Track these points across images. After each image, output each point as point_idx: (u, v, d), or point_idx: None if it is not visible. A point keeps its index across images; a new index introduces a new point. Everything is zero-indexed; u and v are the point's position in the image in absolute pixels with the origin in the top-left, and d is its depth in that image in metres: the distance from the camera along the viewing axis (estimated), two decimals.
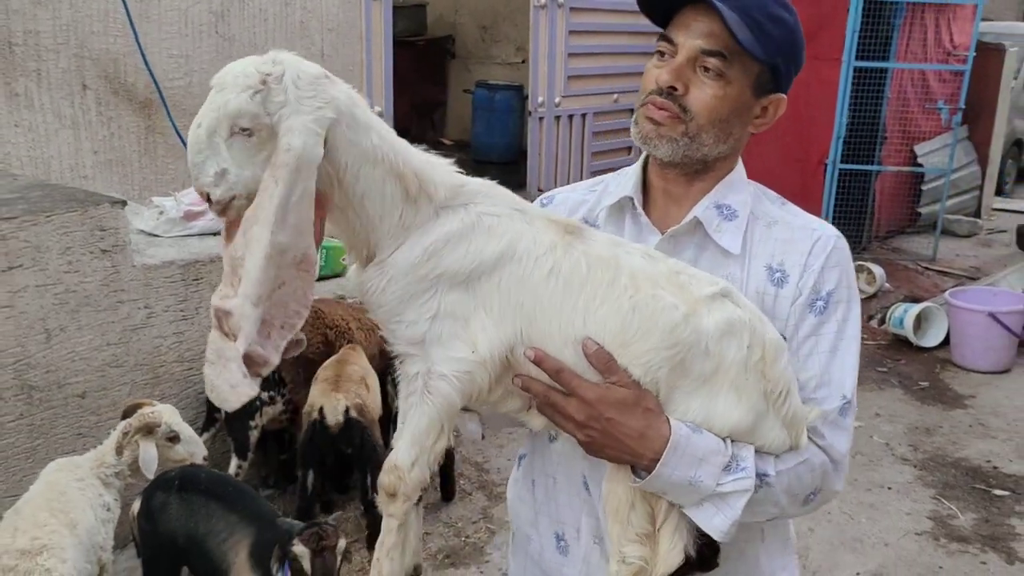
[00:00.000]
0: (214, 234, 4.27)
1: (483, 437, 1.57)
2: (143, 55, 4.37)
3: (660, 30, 1.54)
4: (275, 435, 4.29)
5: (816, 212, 8.51)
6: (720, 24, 1.45)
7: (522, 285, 1.39)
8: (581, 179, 8.32)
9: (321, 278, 4.81)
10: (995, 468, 5.05)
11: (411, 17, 9.62)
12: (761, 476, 1.45)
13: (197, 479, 3.13)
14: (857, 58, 7.99)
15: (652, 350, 1.39)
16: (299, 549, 2.76)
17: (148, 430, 2.99)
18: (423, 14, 10.06)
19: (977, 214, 10.63)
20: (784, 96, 1.57)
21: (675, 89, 1.49)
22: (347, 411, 3.69)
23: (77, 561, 2.69)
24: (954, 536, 4.34)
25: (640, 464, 1.41)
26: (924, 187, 9.57)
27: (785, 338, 1.51)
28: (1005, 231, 10.35)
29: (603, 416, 1.38)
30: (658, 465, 1.38)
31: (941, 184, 9.46)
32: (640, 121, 1.54)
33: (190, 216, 4.24)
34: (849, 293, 1.56)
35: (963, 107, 8.68)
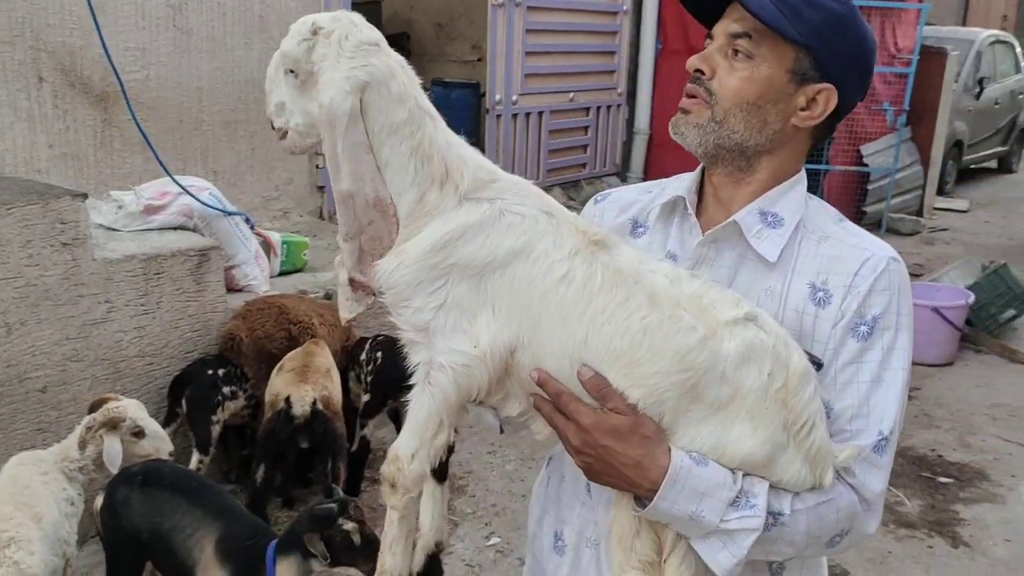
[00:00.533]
0: (174, 229, 4.25)
1: (502, 431, 1.53)
2: (105, 47, 4.31)
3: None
4: (237, 430, 4.28)
5: None
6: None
7: (532, 287, 1.36)
8: (538, 177, 8.38)
9: (282, 273, 4.80)
10: (940, 456, 5.23)
11: (366, 14, 9.44)
12: (775, 515, 1.36)
13: (161, 474, 3.11)
14: None
15: (661, 373, 1.34)
16: (350, 525, 2.78)
17: (112, 425, 2.97)
18: (378, 11, 10.03)
19: (920, 213, 10.93)
20: (834, 88, 1.46)
21: (702, 73, 1.46)
22: (314, 402, 3.70)
23: (44, 554, 2.67)
24: (902, 522, 4.49)
25: (639, 493, 1.37)
26: (870, 186, 9.82)
27: (822, 363, 1.43)
28: (946, 229, 10.66)
29: (598, 443, 1.34)
30: (655, 498, 1.33)
31: (886, 183, 9.73)
32: (675, 115, 1.51)
33: (150, 210, 4.21)
34: (899, 320, 1.44)
35: (907, 108, 8.93)
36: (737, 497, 1.34)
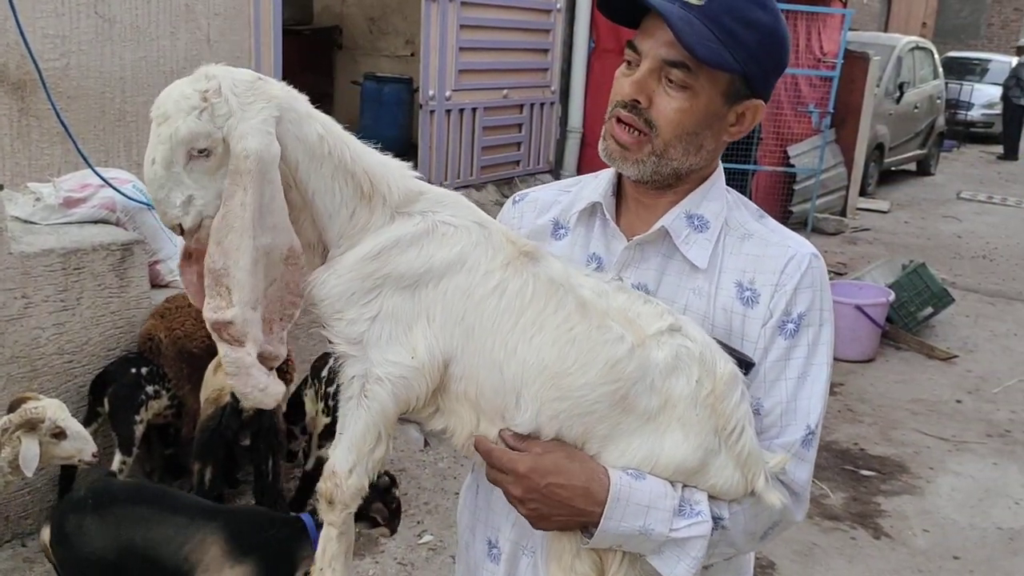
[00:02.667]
0: (95, 222, 4.12)
1: (426, 444, 1.51)
2: (22, 33, 4.15)
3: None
4: (159, 430, 4.16)
5: None
6: None
7: (466, 298, 1.36)
8: (472, 174, 8.33)
9: None
10: (862, 450, 5.37)
11: (296, 5, 9.42)
12: (716, 519, 1.38)
13: (111, 491, 2.99)
14: None
15: (589, 385, 1.34)
16: (397, 492, 3.17)
17: (31, 426, 2.86)
18: (309, 3, 9.89)
19: (843, 213, 11.23)
20: (761, 102, 1.47)
21: (638, 103, 1.41)
22: None
23: None
24: (826, 515, 4.60)
25: (590, 522, 1.36)
26: (796, 187, 10.05)
27: (753, 363, 1.45)
28: (868, 229, 10.96)
29: (541, 485, 1.34)
30: (602, 519, 1.33)
31: (811, 184, 9.96)
32: (607, 138, 1.47)
33: (70, 203, 4.07)
34: (822, 316, 1.47)
35: (832, 111, 9.15)
36: (681, 505, 1.36)
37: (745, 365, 1.43)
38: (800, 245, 1.50)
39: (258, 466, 3.74)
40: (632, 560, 1.39)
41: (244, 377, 1.30)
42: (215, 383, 3.68)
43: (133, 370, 3.84)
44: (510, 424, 1.37)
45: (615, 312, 1.38)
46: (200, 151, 1.28)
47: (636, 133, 1.43)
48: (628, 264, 1.54)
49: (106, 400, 3.79)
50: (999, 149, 17.99)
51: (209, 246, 1.29)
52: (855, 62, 10.27)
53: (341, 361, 1.38)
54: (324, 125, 1.37)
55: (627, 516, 1.34)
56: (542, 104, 8.69)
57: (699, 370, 1.36)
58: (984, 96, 19.03)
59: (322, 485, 1.39)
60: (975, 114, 19.08)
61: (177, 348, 3.88)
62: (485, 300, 1.36)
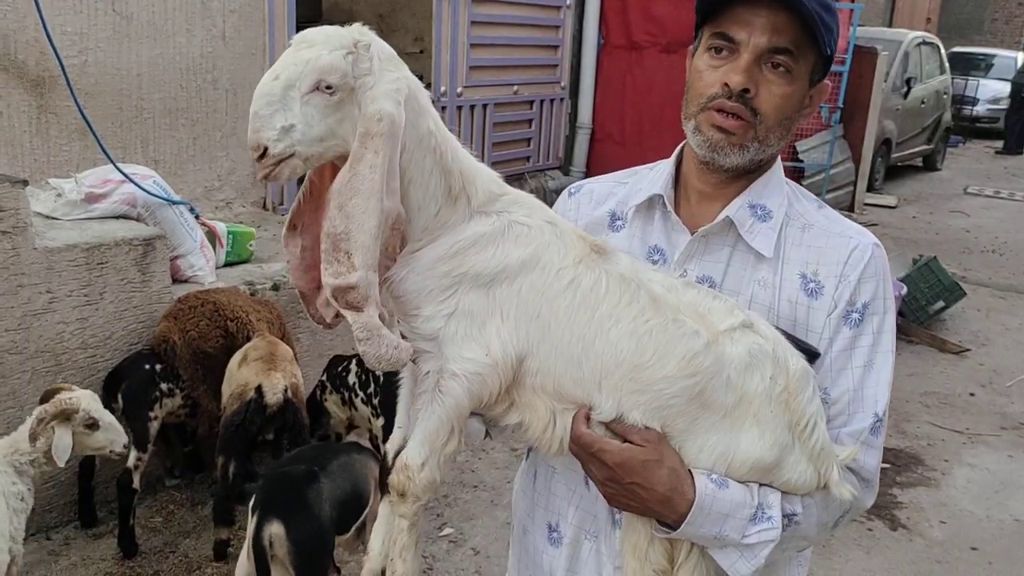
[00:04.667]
0: (116, 217, 4.14)
1: (487, 436, 1.52)
2: (46, 30, 4.17)
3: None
4: (177, 427, 4.18)
5: None
6: (785, 19, 1.40)
7: (541, 295, 1.38)
8: None
9: (227, 264, 4.71)
10: None
11: (306, 2, 9.45)
12: (789, 516, 1.41)
13: (316, 458, 3.16)
14: None
15: (668, 378, 1.36)
16: None
17: (65, 416, 2.89)
18: (318, 0, 9.91)
19: (851, 208, 11.22)
20: (828, 83, 1.52)
21: (747, 91, 1.43)
22: (285, 390, 3.60)
23: None
24: None
25: (665, 520, 1.39)
26: (804, 182, 10.03)
27: (819, 353, 1.46)
28: (876, 224, 10.96)
29: (625, 481, 1.37)
30: (683, 524, 1.36)
31: (820, 179, 9.95)
32: (704, 129, 1.47)
33: (91, 199, 4.10)
34: (885, 304, 1.49)
35: (842, 106, 9.14)
36: (755, 512, 1.38)
37: (811, 355, 1.46)
38: (861, 235, 1.52)
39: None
40: (701, 550, 1.42)
41: (376, 339, 1.30)
42: (239, 378, 3.67)
43: (147, 366, 3.84)
44: (587, 434, 1.39)
45: (686, 307, 1.40)
46: (328, 87, 1.29)
47: (740, 121, 1.45)
48: (692, 256, 1.56)
49: (120, 396, 3.79)
50: (1000, 144, 17.97)
51: (329, 211, 1.30)
52: (863, 57, 10.26)
53: (417, 356, 1.39)
54: (435, 121, 1.40)
55: (706, 524, 1.37)
56: (552, 100, 8.69)
57: (772, 367, 1.39)
58: (989, 91, 19.01)
59: (394, 478, 1.40)
60: (980, 109, 19.06)
61: (192, 349, 3.87)
62: (560, 296, 1.38)
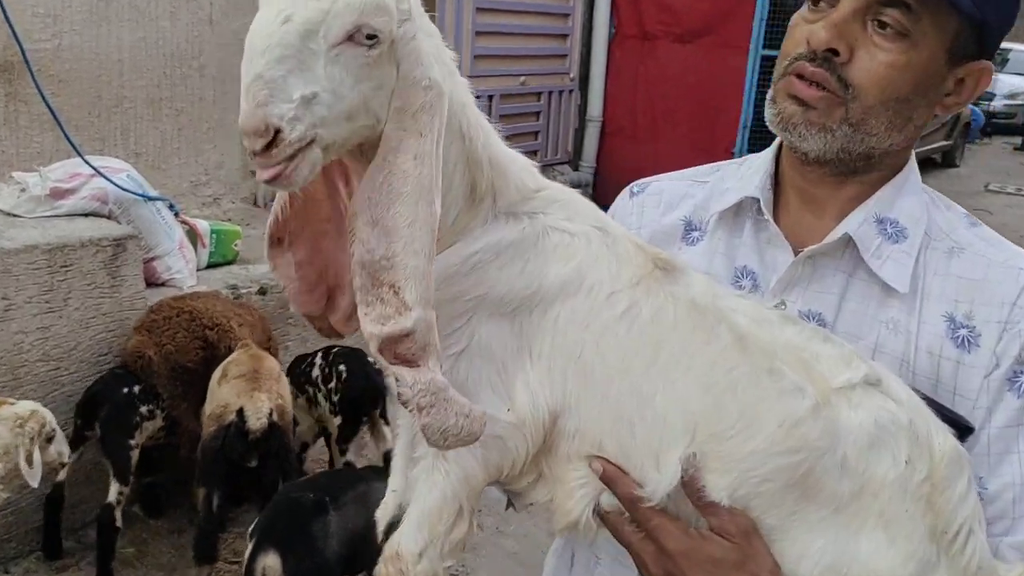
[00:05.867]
0: (86, 215, 3.78)
1: (509, 505, 1.17)
2: (4, 12, 3.81)
3: None
4: (141, 454, 3.67)
5: None
6: None
7: (584, 328, 1.02)
8: None
9: (210, 265, 4.35)
10: None
11: None
12: None
13: (328, 488, 2.90)
14: (764, 47, 7.93)
15: (759, 453, 0.99)
16: None
17: (48, 437, 2.81)
18: None
19: None
20: (990, 65, 1.14)
21: (836, 53, 1.08)
22: (270, 413, 3.23)
23: None
24: None
25: None
26: None
27: (972, 428, 1.08)
28: None
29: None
30: None
31: None
32: (779, 99, 1.13)
33: (57, 194, 3.74)
34: None
35: None
36: None
37: (961, 430, 1.07)
38: None
39: (266, 490, 3.36)
40: None
41: (441, 407, 0.92)
42: (220, 396, 3.30)
43: (125, 389, 3.45)
44: (645, 499, 1.02)
45: (785, 351, 1.03)
46: (370, 37, 0.88)
47: (822, 92, 1.09)
48: (795, 283, 1.18)
49: (97, 424, 3.42)
50: (1018, 140, 17.59)
51: (357, 230, 0.92)
52: None
53: (412, 408, 1.02)
54: (466, 92, 1.04)
55: None
56: (560, 92, 8.36)
57: (909, 445, 1.01)
58: (1006, 86, 18.61)
59: (383, 569, 1.05)
60: (997, 104, 18.65)
61: (170, 365, 3.50)
62: (610, 331, 1.03)
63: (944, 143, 14.34)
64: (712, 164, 1.34)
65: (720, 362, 1.01)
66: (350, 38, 0.87)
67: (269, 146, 0.85)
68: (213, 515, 3.28)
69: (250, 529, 2.72)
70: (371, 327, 0.90)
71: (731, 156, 8.23)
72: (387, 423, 3.86)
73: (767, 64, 8.10)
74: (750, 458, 0.99)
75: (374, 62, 0.89)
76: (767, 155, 1.25)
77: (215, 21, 5.10)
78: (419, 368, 0.91)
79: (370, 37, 0.88)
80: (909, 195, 1.18)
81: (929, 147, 13.82)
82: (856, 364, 1.03)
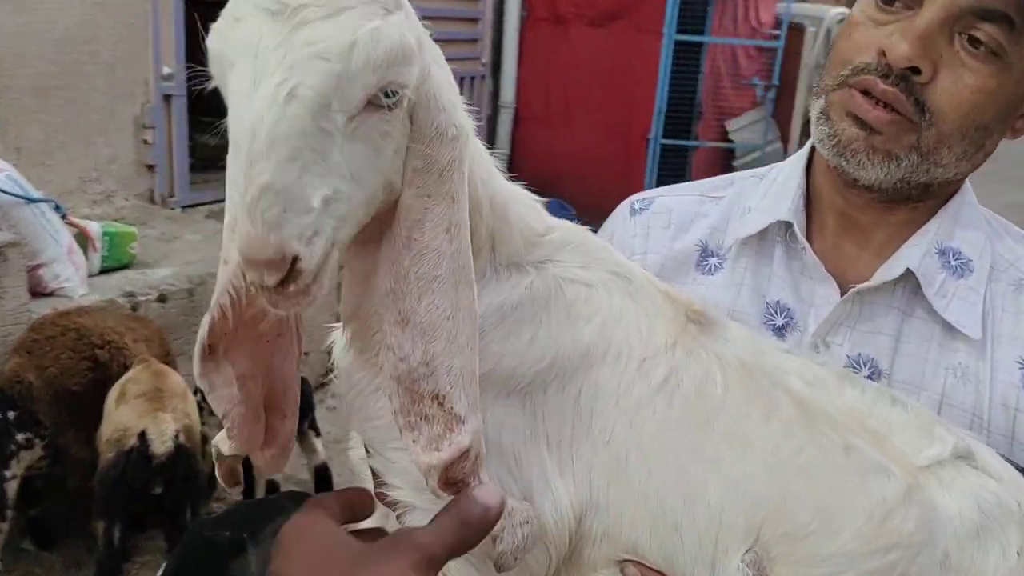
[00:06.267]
0: None
1: None
2: None
3: None
4: (22, 485, 3.30)
5: (639, 188, 8.47)
6: None
7: (614, 404, 0.84)
8: None
9: (103, 271, 4.04)
10: None
11: None
12: None
13: (246, 522, 2.53)
14: (677, 31, 7.90)
15: (846, 555, 0.80)
16: None
17: None
18: None
19: None
20: None
21: (916, 71, 0.92)
22: (176, 435, 2.97)
23: None
24: None
25: None
26: (735, 163, 9.72)
27: None
28: None
29: None
30: None
31: (749, 160, 9.65)
32: (836, 117, 0.98)
33: None
34: None
35: (777, 84, 8.88)
36: None
37: None
38: None
39: (174, 517, 3.11)
40: None
41: (510, 527, 0.76)
42: (119, 419, 3.02)
43: None
44: None
45: (849, 418, 0.86)
46: (390, 95, 0.68)
47: (894, 115, 0.93)
48: (841, 323, 1.03)
49: None
50: None
51: (388, 334, 0.73)
52: (791, 33, 9.97)
53: (400, 512, 0.83)
54: (464, 115, 0.83)
55: None
56: (472, 77, 8.17)
57: (1021, 534, 0.85)
58: None
59: None
60: None
61: (53, 390, 3.17)
62: (646, 407, 0.85)
63: None
64: (724, 176, 1.18)
65: (786, 441, 0.83)
66: (370, 105, 0.68)
67: (285, 280, 0.66)
68: (114, 549, 3.03)
69: (159, 574, 2.48)
70: (426, 457, 0.72)
71: (646, 143, 8.20)
72: (317, 434, 3.67)
73: (681, 49, 8.07)
74: (832, 561, 0.81)
75: (393, 122, 0.71)
76: (795, 168, 1.10)
77: (107, 4, 4.75)
78: (471, 487, 0.74)
79: (391, 94, 0.69)
80: (970, 220, 1.04)
81: None
82: (940, 433, 0.88)
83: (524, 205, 0.91)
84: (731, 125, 9.44)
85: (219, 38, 0.67)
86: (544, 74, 8.33)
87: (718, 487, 0.83)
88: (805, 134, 12.00)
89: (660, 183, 8.14)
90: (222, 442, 0.84)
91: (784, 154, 10.88)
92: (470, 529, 0.71)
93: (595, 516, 0.84)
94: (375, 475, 0.84)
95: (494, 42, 8.35)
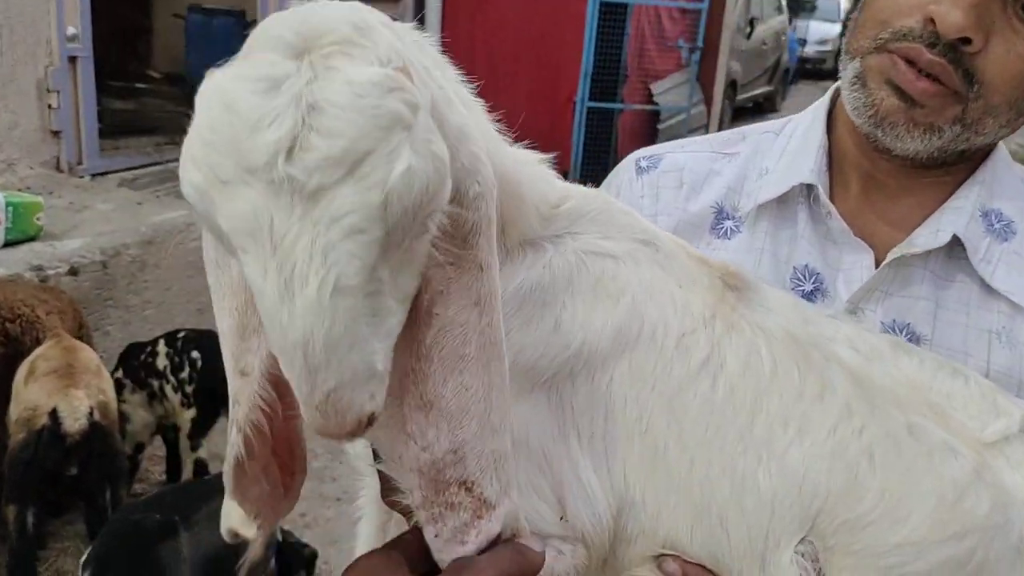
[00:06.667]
0: None
1: None
2: None
3: None
4: None
5: (566, 152, 8.29)
6: None
7: (651, 389, 0.75)
8: None
9: (7, 244, 3.79)
10: None
11: None
12: None
13: (173, 503, 2.55)
14: None
15: (915, 544, 0.73)
16: None
17: None
18: None
19: None
20: None
21: (967, 42, 0.86)
22: (90, 412, 2.80)
23: None
24: None
25: None
26: (660, 126, 9.73)
27: None
28: None
29: None
30: None
31: (674, 123, 9.68)
32: (874, 84, 0.91)
33: None
34: None
35: (701, 46, 8.89)
36: None
37: None
38: None
39: (92, 499, 2.93)
40: None
41: None
42: (28, 397, 2.82)
43: None
44: None
45: (909, 395, 0.78)
46: (424, 222, 0.59)
47: (939, 87, 0.88)
48: (875, 290, 0.96)
49: None
50: (829, 84, 18.56)
51: (407, 420, 0.64)
52: None
53: (418, 517, 0.73)
54: (486, 178, 0.70)
55: None
56: None
57: None
58: (817, 33, 19.54)
59: None
60: (809, 51, 19.55)
61: None
62: (687, 391, 0.76)
63: (767, 88, 14.86)
64: (735, 130, 1.10)
65: (844, 421, 0.75)
66: (421, 235, 0.60)
67: (354, 432, 0.58)
68: (28, 535, 2.85)
69: (82, 560, 2.36)
70: (449, 551, 0.63)
71: (572, 106, 8.12)
72: None
73: (607, 10, 7.99)
74: (900, 551, 0.74)
75: (421, 242, 0.61)
76: (815, 123, 1.03)
77: None
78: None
79: (424, 222, 0.59)
80: (1007, 179, 0.99)
81: (754, 93, 14.30)
82: (1004, 406, 0.81)
83: (535, 175, 0.81)
84: (656, 88, 9.42)
85: (203, 201, 0.56)
86: (468, 39, 8.16)
87: (769, 476, 0.75)
88: (728, 96, 12.08)
89: (586, 146, 8.12)
90: (242, 526, 0.72)
91: (708, 116, 10.95)
92: None
93: (629, 514, 0.76)
94: (383, 481, 0.73)
95: (415, 10, 8.15)
